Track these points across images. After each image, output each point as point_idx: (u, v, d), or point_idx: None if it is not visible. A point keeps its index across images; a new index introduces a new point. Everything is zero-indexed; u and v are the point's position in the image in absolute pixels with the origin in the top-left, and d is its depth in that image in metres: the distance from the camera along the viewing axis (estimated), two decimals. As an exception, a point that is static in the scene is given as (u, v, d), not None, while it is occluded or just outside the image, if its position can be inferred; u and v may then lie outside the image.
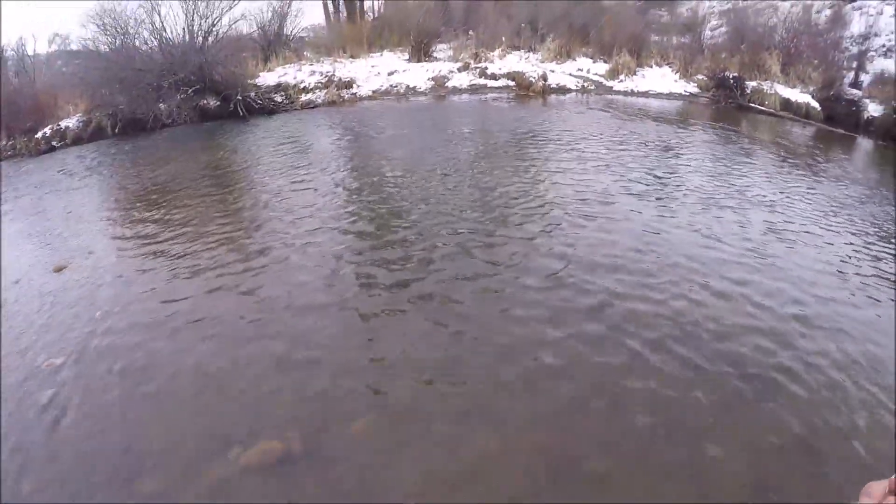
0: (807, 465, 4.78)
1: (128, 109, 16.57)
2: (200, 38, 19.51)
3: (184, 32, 19.53)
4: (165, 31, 19.30)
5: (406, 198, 10.37)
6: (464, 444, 4.93)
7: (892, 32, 24.60)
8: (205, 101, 17.93)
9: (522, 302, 6.94)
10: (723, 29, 26.93)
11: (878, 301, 7.37)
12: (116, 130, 16.55)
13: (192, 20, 19.42)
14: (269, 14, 25.92)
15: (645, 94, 22.43)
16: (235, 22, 21.78)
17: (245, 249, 8.61)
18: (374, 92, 21.44)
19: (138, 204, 11.25)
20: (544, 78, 22.67)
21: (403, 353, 6.09)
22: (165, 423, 5.25)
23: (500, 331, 6.38)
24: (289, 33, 27.29)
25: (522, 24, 27.36)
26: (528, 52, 26.24)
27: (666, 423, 5.16)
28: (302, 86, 20.29)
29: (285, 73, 21.13)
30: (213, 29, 19.95)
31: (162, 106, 16.99)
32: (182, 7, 19.45)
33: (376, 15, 30.81)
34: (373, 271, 7.71)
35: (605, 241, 8.25)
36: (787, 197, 11.03)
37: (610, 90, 22.86)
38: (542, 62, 25.05)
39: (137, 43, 19.02)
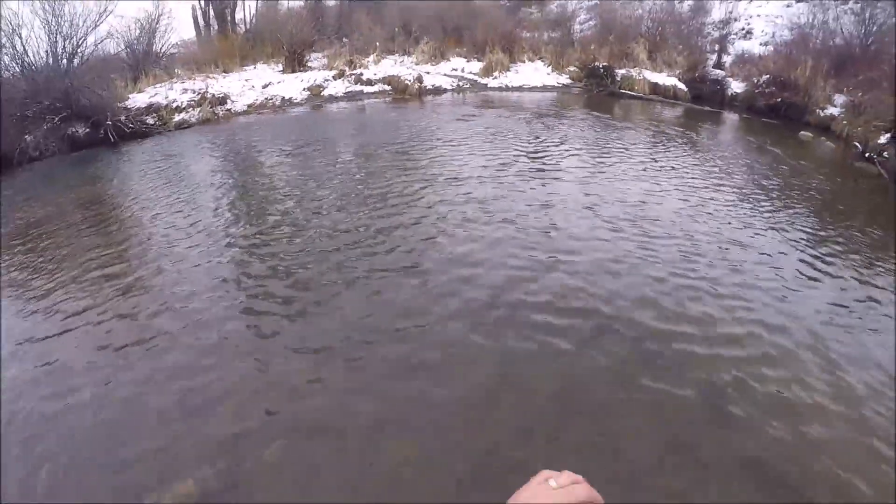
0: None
1: None
2: (65, 61, 19.10)
3: (47, 55, 19.03)
4: (28, 55, 18.79)
5: (286, 219, 10.63)
6: (381, 453, 5.25)
7: (749, 17, 26.54)
8: (73, 129, 17.68)
9: (406, 306, 7.61)
10: (591, 22, 28.44)
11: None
12: (-21, 167, 15.79)
13: (56, 41, 18.95)
14: (137, 31, 25.48)
15: (519, 89, 24.05)
16: (101, 41, 21.45)
17: (127, 299, 8.27)
18: (249, 106, 21.96)
19: (6, 249, 10.68)
20: (420, 80, 23.95)
21: (303, 377, 6.35)
22: (72, 485, 5.13)
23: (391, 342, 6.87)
24: (158, 50, 26.89)
25: (396, 29, 28.26)
26: (403, 55, 27.40)
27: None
28: (174, 105, 20.49)
29: (156, 93, 21.22)
30: (78, 50, 19.53)
31: (28, 138, 16.64)
32: (44, 28, 18.89)
33: (248, 27, 30.96)
34: (257, 307, 7.83)
35: (477, 259, 8.70)
36: (661, 168, 13.19)
37: (485, 87, 24.38)
38: (417, 65, 26.32)
39: (-1, 69, 18.41)
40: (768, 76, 20.41)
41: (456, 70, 25.91)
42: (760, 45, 24.93)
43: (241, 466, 5.20)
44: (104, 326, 7.61)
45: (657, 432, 5.49)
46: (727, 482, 4.96)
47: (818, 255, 9.21)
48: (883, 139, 15.23)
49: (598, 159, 13.55)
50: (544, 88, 24.07)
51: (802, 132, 17.91)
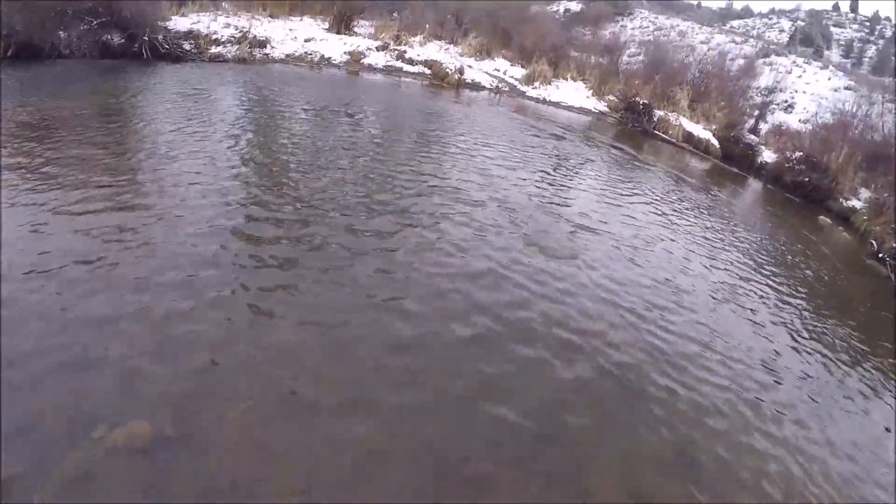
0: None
1: (24, 33, 15.51)
2: (117, -34, 18.40)
3: (99, -43, 18.30)
4: (80, -49, 18.05)
5: (300, 176, 10.29)
6: (348, 438, 5.07)
7: (795, 91, 26.44)
8: (108, 37, 17.32)
9: (410, 295, 7.41)
10: (640, 57, 28.29)
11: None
12: (9, 54, 15.21)
13: (111, -57, 18.20)
14: (194, -46, 24.82)
15: (556, 104, 23.97)
16: (157, -44, 20.76)
17: (128, 212, 8.01)
18: (287, 56, 21.67)
19: (22, 139, 10.08)
20: (461, 72, 23.79)
21: (287, 338, 6.16)
22: (19, 398, 4.87)
23: (387, 325, 6.69)
24: (212, -21, 26.27)
25: (448, 16, 27.93)
26: (450, 44, 27.07)
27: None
28: (214, 37, 20.17)
29: (199, 21, 20.87)
30: (133, -43, 18.85)
31: (62, 34, 16.22)
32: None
33: (305, -22, 30.38)
34: (260, 247, 7.71)
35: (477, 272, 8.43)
36: (682, 230, 12.89)
37: (523, 95, 24.29)
38: (462, 56, 25.99)
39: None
40: (801, 153, 20.31)
41: (498, 71, 25.76)
42: (800, 121, 25.01)
43: (200, 419, 4.99)
44: (90, 241, 7.21)
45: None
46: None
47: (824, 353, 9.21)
48: (897, 243, 15.21)
49: (621, 205, 13.18)
50: (581, 110, 23.95)
51: (822, 217, 17.97)
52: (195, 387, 5.31)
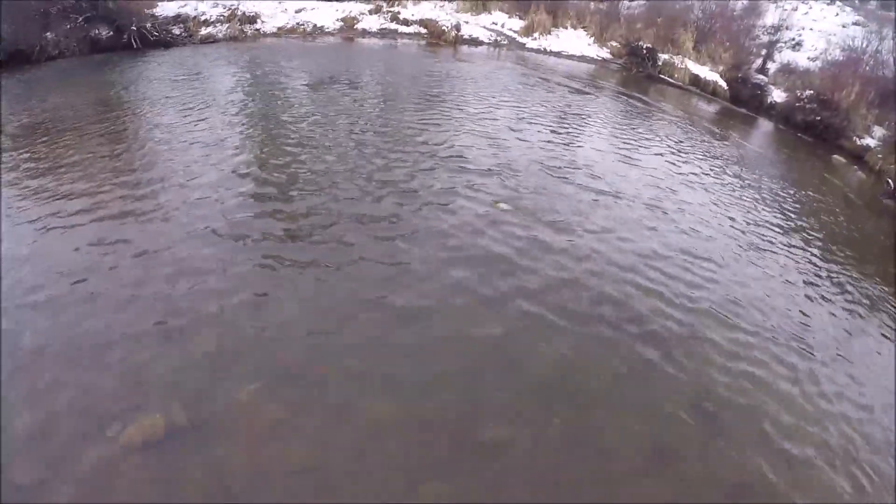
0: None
1: (11, 39, 15.07)
2: (97, -43, 17.91)
3: (78, -50, 17.79)
4: (58, -53, 17.58)
5: (303, 156, 10.35)
6: (358, 411, 5.21)
7: (802, 28, 25.89)
8: (96, 31, 16.99)
9: (413, 259, 7.59)
10: (641, 1, 27.62)
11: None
12: (-2, 62, 14.86)
13: (88, -64, 17.70)
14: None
15: (557, 54, 23.47)
16: (137, -58, 20.20)
17: (129, 204, 8.25)
18: (279, 29, 21.36)
19: (19, 145, 10.36)
20: (457, 28, 23.37)
21: (294, 316, 6.29)
22: (34, 402, 4.97)
23: (393, 299, 6.76)
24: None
25: (441, -28, 27.30)
26: (444, 0, 26.22)
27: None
28: (203, 18, 19.82)
29: (186, 4, 20.43)
30: (111, -52, 18.37)
31: (49, 36, 15.93)
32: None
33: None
34: (264, 228, 7.87)
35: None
36: (697, 181, 12.63)
37: (523, 47, 23.80)
38: (457, 13, 25.44)
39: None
40: (812, 92, 19.90)
41: (496, 24, 25.20)
42: (808, 58, 24.46)
43: (212, 405, 5.13)
44: (99, 235, 7.48)
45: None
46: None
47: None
48: (916, 181, 15.04)
49: (634, 160, 12.93)
50: (582, 58, 23.46)
51: (835, 156, 17.74)
52: (204, 373, 5.43)
